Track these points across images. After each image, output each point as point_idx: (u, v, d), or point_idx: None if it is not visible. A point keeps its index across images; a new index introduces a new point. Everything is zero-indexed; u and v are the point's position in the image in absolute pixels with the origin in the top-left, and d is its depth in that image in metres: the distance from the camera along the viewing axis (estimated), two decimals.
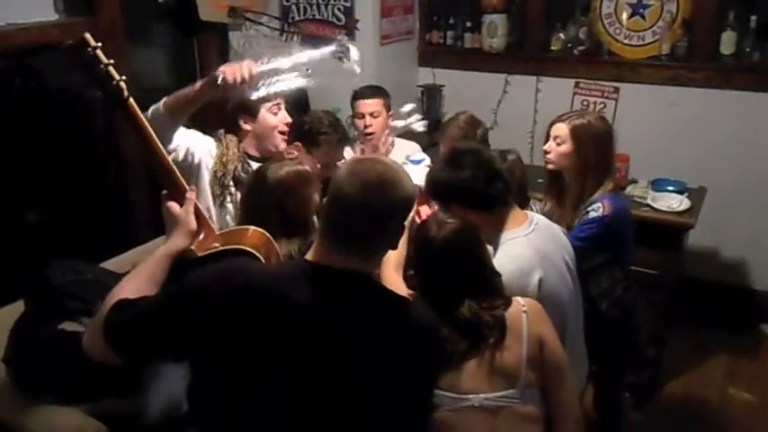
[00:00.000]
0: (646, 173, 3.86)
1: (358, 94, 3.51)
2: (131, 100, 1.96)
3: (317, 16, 4.54)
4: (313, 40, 4.55)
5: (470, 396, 1.90)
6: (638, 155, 3.91)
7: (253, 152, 2.84)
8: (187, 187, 2.03)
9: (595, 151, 2.72)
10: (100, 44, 1.88)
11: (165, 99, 2.51)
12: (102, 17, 3.46)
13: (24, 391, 2.50)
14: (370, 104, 3.46)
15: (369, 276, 1.69)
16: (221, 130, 2.83)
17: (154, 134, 2.01)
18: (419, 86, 4.90)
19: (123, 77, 1.92)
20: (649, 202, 3.56)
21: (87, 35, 1.89)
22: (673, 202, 3.54)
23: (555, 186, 2.92)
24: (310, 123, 3.13)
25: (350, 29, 4.46)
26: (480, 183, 2.22)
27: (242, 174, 2.76)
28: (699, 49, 4.15)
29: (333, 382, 1.58)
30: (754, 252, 4.27)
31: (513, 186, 2.60)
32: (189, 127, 2.75)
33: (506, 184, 2.28)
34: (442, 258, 2.01)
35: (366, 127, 3.43)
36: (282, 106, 2.85)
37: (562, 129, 2.78)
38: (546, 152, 2.84)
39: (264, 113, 2.80)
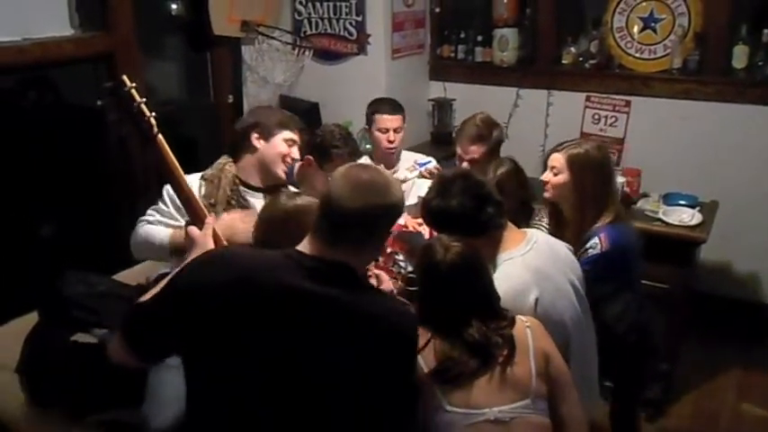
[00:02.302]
0: (657, 187, 3.85)
1: (380, 108, 3.52)
2: (160, 135, 2.11)
3: (329, 31, 4.57)
4: (325, 54, 4.60)
5: (485, 410, 1.92)
6: (649, 169, 3.90)
7: (253, 181, 2.75)
8: (207, 214, 2.19)
9: (593, 181, 2.65)
10: (134, 84, 2.05)
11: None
12: (116, 32, 3.50)
13: (37, 402, 2.52)
14: (394, 120, 3.48)
15: (354, 269, 1.77)
16: (210, 171, 2.74)
17: (179, 167, 2.18)
18: (430, 100, 4.93)
19: (154, 114, 2.08)
20: (661, 216, 3.54)
21: (124, 77, 2.05)
22: (684, 216, 3.52)
23: (554, 218, 2.86)
24: (322, 137, 3.14)
25: (361, 43, 4.49)
26: (470, 210, 2.24)
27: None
28: (710, 62, 4.15)
29: (315, 359, 1.67)
30: (765, 267, 4.24)
31: (510, 202, 2.59)
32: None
33: (498, 206, 2.29)
34: (450, 281, 2.04)
35: (390, 142, 3.46)
36: (297, 145, 2.80)
37: (558, 159, 2.70)
38: (544, 182, 2.77)
39: (278, 140, 2.73)
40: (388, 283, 2.47)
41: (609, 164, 2.77)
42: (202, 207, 2.23)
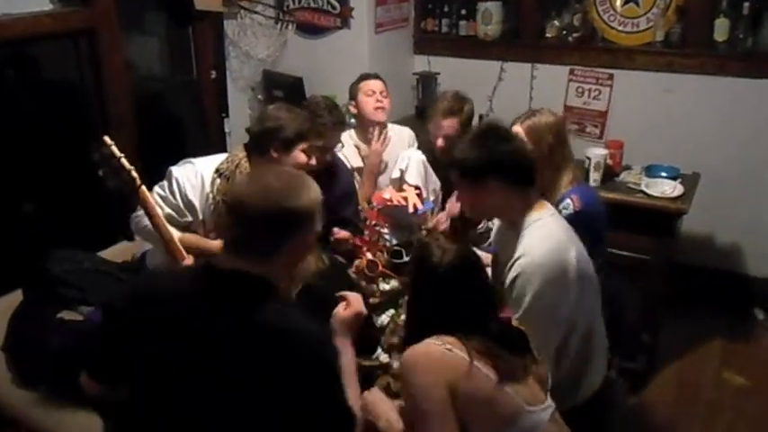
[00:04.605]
0: (639, 159, 3.87)
1: (365, 77, 3.61)
2: (143, 187, 2.36)
3: (312, 5, 4.54)
4: (308, 29, 4.58)
5: (547, 402, 1.90)
6: (631, 141, 3.92)
7: None
8: (186, 255, 2.40)
9: (550, 144, 2.75)
10: (113, 143, 2.30)
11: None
12: (96, 6, 3.46)
13: (23, 380, 2.52)
14: (380, 84, 3.57)
15: (260, 278, 1.68)
16: (225, 164, 2.70)
17: (161, 215, 2.42)
18: (414, 74, 4.90)
19: (133, 167, 2.31)
20: (643, 188, 3.57)
21: (106, 138, 2.30)
22: (666, 188, 3.55)
23: None
24: (307, 107, 3.14)
25: (345, 17, 4.47)
26: (520, 156, 2.24)
27: None
28: (692, 35, 4.15)
29: (204, 373, 1.62)
30: (747, 238, 4.29)
31: None
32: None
33: (534, 162, 2.30)
34: (450, 283, 1.94)
35: (378, 101, 3.51)
36: (317, 152, 2.79)
37: (517, 129, 2.78)
38: None
39: (298, 152, 2.68)
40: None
41: (562, 123, 2.88)
42: (182, 250, 2.41)
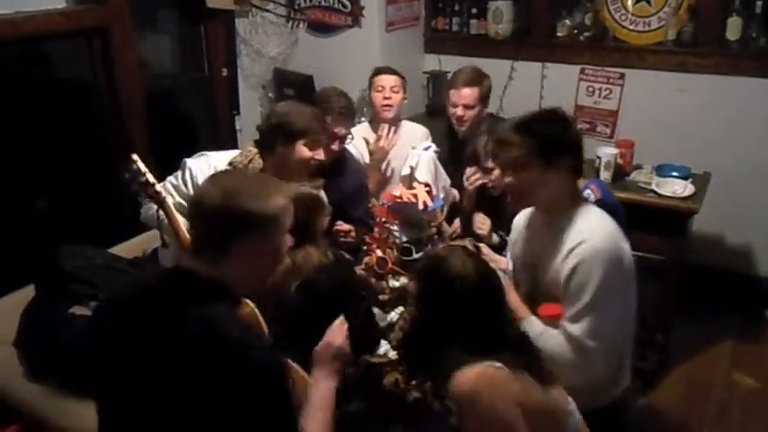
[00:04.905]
0: (650, 158, 3.86)
1: (379, 71, 3.67)
2: (167, 199, 2.47)
3: (324, 3, 4.55)
4: (319, 27, 4.59)
5: (573, 405, 1.89)
6: (642, 141, 3.91)
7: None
8: None
9: None
10: (138, 159, 2.42)
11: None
12: (109, 4, 3.48)
13: (35, 374, 2.54)
14: (391, 79, 3.62)
15: (202, 279, 1.63)
16: (239, 158, 2.73)
17: (179, 218, 2.46)
18: (425, 73, 4.91)
19: (155, 182, 2.43)
20: (654, 187, 3.56)
21: (133, 155, 2.42)
22: (677, 188, 3.54)
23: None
24: (316, 97, 3.17)
25: (355, 16, 4.47)
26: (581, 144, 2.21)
27: None
28: (705, 35, 4.13)
29: (145, 374, 1.58)
30: (758, 238, 4.27)
31: None
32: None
33: None
34: (474, 294, 1.87)
35: (386, 99, 3.57)
36: (323, 144, 2.77)
37: None
38: None
39: (300, 146, 2.68)
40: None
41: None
42: None
